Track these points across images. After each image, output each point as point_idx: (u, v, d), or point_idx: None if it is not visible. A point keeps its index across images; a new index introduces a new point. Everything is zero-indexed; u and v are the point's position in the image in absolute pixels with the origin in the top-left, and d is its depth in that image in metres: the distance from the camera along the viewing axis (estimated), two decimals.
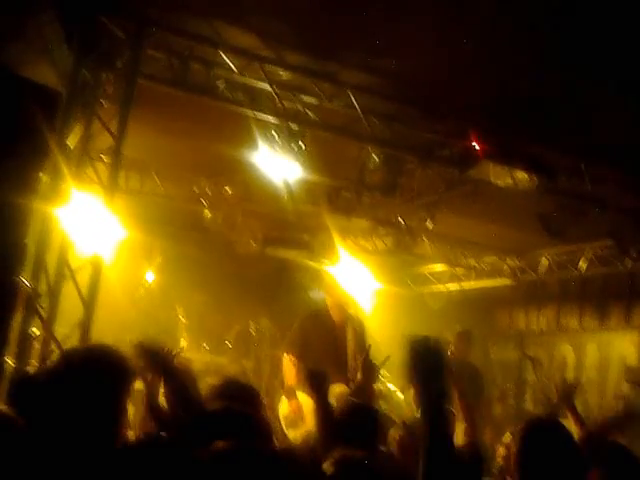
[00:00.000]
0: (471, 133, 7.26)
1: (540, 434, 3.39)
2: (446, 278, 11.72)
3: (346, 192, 8.73)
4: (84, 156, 6.88)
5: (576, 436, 4.83)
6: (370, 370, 5.45)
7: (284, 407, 7.14)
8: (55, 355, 6.43)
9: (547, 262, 10.40)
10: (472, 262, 11.19)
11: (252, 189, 8.83)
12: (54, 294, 6.67)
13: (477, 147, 7.27)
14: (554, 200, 8.06)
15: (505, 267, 10.97)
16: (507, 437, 4.56)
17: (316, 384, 4.23)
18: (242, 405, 3.75)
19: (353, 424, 4.22)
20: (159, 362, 4.16)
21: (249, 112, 7.10)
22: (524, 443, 3.34)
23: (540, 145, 7.33)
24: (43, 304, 6.67)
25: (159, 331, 9.73)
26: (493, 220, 9.18)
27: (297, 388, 6.96)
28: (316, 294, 8.44)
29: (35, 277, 6.59)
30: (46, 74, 6.22)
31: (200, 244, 9.85)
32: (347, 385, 6.83)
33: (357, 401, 4.76)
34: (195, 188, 9.40)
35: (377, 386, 7.71)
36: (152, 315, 9.79)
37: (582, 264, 9.84)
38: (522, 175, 7.43)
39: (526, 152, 7.42)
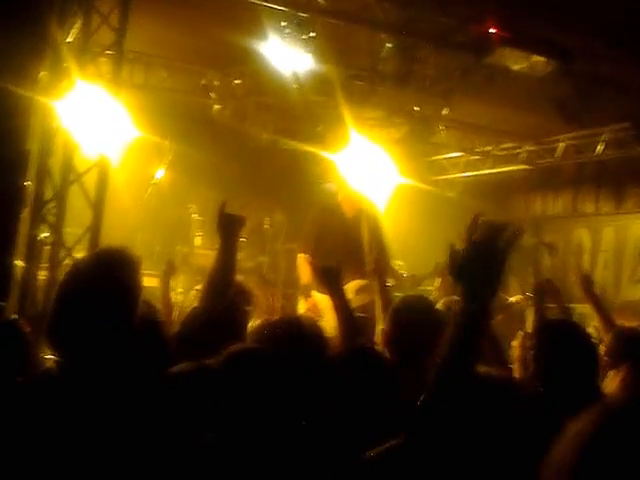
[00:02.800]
0: (487, 18, 7.03)
1: (558, 334, 3.44)
2: (462, 166, 11.54)
3: (359, 81, 8.50)
4: (85, 51, 6.68)
5: (601, 329, 4.88)
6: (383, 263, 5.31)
7: (301, 306, 7.15)
8: (65, 259, 6.47)
9: (563, 146, 10.18)
10: (488, 148, 10.98)
11: (262, 81, 8.59)
12: (61, 198, 6.59)
13: (493, 32, 7.06)
14: (571, 84, 7.86)
15: (521, 153, 10.77)
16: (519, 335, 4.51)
17: (329, 280, 4.08)
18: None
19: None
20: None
21: (257, 1, 6.84)
22: (542, 343, 3.38)
23: (556, 28, 7.06)
24: (50, 209, 6.61)
25: (172, 230, 9.69)
26: (509, 106, 8.97)
27: (312, 286, 6.92)
28: (330, 187, 8.31)
29: (40, 182, 6.52)
30: None
31: (210, 139, 9.65)
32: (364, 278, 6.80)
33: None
34: (203, 80, 9.14)
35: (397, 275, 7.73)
36: (164, 214, 9.72)
37: (599, 148, 9.64)
38: (538, 59, 7.26)
39: (542, 36, 7.21)
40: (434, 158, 11.77)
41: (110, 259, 2.67)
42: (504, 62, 7.30)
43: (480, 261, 2.37)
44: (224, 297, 3.60)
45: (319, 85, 8.35)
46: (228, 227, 3.74)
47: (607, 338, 4.25)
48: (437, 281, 8.80)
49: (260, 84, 8.77)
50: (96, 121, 6.67)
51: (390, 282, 6.51)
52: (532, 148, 10.63)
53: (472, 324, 2.34)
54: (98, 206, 6.56)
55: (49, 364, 2.69)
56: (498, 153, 10.95)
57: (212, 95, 9.18)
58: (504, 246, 2.38)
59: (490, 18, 6.97)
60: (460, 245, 2.42)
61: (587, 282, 5.35)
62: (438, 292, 8.52)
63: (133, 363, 2.56)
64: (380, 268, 4.95)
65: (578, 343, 3.40)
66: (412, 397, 2.49)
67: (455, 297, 5.51)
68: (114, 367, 2.50)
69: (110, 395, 2.45)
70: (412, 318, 3.77)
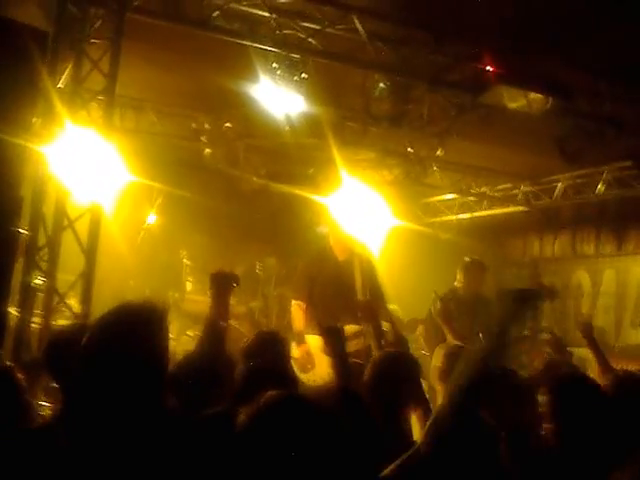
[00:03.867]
0: (483, 55, 6.94)
1: (571, 388, 3.40)
2: (457, 208, 11.44)
3: (352, 123, 8.42)
4: (76, 96, 6.63)
5: (598, 374, 4.79)
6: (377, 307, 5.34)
7: (294, 352, 7.01)
8: (59, 305, 6.44)
9: (563, 187, 10.07)
10: (484, 190, 10.87)
11: (253, 124, 8.51)
12: (54, 244, 6.62)
13: (490, 70, 6.96)
14: (570, 122, 7.73)
15: (519, 193, 10.65)
16: None
17: (332, 341, 4.13)
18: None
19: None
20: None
21: (247, 43, 6.74)
22: (557, 397, 3.33)
23: (555, 64, 6.97)
24: (43, 255, 6.59)
25: (163, 275, 9.57)
26: (506, 145, 8.88)
27: (306, 332, 6.81)
28: (322, 230, 8.20)
29: (33, 228, 6.51)
30: (32, 14, 5.98)
31: (201, 183, 9.55)
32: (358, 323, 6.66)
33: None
34: (194, 124, 9.04)
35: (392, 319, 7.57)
36: (155, 259, 9.61)
37: (600, 187, 9.51)
38: (536, 97, 7.16)
39: (541, 73, 7.10)
40: (428, 200, 11.64)
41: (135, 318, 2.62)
42: (501, 100, 7.18)
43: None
44: (218, 346, 3.71)
45: (311, 127, 8.28)
46: (221, 284, 3.90)
47: (604, 382, 4.14)
48: (420, 328, 8.69)
49: (251, 127, 8.71)
50: (88, 166, 6.62)
51: (385, 326, 6.41)
52: (530, 189, 10.52)
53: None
54: (91, 252, 6.58)
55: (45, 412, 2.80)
56: (494, 194, 10.85)
57: (203, 139, 9.08)
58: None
59: (486, 55, 6.87)
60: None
61: (587, 328, 5.35)
62: (424, 336, 8.42)
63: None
64: (371, 313, 5.18)
65: (596, 399, 3.32)
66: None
67: (456, 343, 5.38)
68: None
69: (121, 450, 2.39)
70: (390, 371, 3.91)
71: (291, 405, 2.53)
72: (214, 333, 3.75)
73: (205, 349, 3.72)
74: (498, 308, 2.85)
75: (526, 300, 2.74)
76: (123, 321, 2.59)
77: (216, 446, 2.50)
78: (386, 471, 2.60)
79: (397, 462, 2.60)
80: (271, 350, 4.34)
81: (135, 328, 2.54)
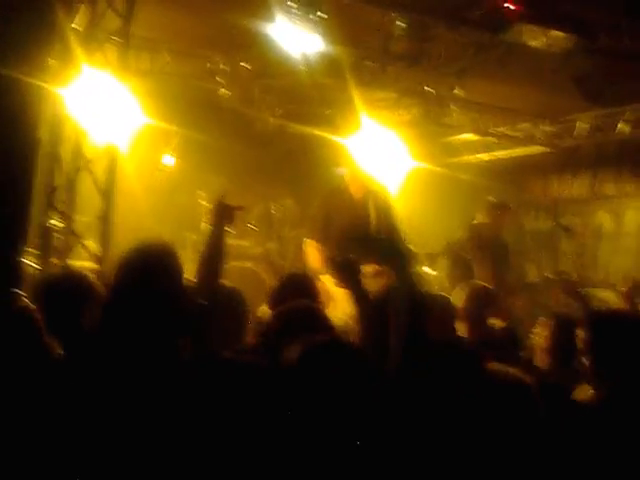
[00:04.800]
0: None
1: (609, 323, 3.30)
2: (476, 148, 11.29)
3: (369, 62, 8.28)
4: (91, 38, 6.61)
5: None
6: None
7: None
8: (76, 247, 6.53)
9: (583, 126, 9.92)
10: (504, 130, 10.71)
11: (269, 63, 8.39)
12: (71, 185, 6.65)
13: (510, 7, 6.82)
14: (591, 60, 7.58)
15: (539, 133, 10.51)
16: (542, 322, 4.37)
17: (347, 273, 4.09)
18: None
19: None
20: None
21: None
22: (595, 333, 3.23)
23: (577, 2, 6.85)
24: (60, 196, 6.64)
25: (180, 217, 9.58)
26: (526, 84, 8.72)
27: (321, 272, 6.80)
28: (339, 171, 8.14)
29: (50, 169, 6.54)
30: None
31: (218, 124, 9.45)
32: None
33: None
34: (209, 64, 8.93)
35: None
36: (172, 201, 9.61)
37: (620, 127, 9.37)
38: (557, 35, 7.01)
39: (562, 10, 6.94)
40: (447, 140, 11.50)
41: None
42: (521, 39, 7.05)
43: None
44: (213, 282, 3.56)
45: (328, 67, 8.15)
46: (221, 214, 3.76)
47: None
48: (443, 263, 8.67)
49: (267, 67, 8.59)
50: (104, 108, 6.62)
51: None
52: (550, 128, 10.36)
53: None
54: (108, 193, 6.63)
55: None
56: (514, 134, 10.69)
57: (218, 79, 8.98)
58: None
59: None
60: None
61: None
62: (448, 274, 8.43)
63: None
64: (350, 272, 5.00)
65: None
66: None
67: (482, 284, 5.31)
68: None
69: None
70: None
71: (336, 350, 2.62)
72: (209, 265, 3.59)
73: (201, 283, 3.54)
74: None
75: None
76: (142, 264, 2.79)
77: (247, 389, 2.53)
78: None
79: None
80: (303, 293, 4.25)
81: (154, 269, 2.73)
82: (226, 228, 3.73)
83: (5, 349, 2.61)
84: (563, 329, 4.06)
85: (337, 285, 5.52)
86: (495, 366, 2.63)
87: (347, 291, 4.20)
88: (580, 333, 3.34)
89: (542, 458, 2.48)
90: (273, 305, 4.17)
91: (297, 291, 4.27)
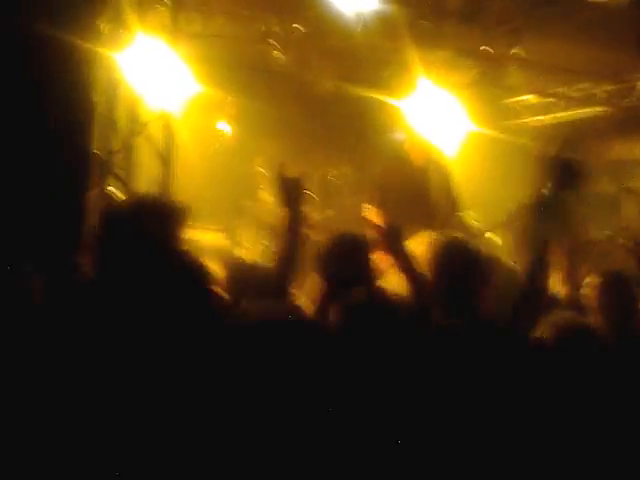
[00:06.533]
0: None
1: None
2: (536, 110, 11.02)
3: (425, 21, 8.14)
4: (144, 1, 6.62)
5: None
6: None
7: None
8: None
9: None
10: (563, 90, 10.45)
11: (324, 25, 8.31)
12: (128, 151, 6.66)
13: None
14: None
15: (600, 93, 10.23)
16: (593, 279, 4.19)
17: (392, 240, 4.01)
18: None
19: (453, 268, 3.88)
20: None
21: None
22: None
23: None
24: (118, 162, 6.67)
25: (237, 184, 9.59)
26: (586, 42, 8.46)
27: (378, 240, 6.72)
28: (397, 136, 8.05)
29: (107, 133, 6.55)
30: None
31: (272, 89, 9.41)
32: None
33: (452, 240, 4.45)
34: (263, 27, 8.88)
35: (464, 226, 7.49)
36: (229, 168, 9.60)
37: None
38: None
39: None
40: (506, 102, 11.26)
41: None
42: None
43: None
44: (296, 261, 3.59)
45: (384, 27, 8.05)
46: (289, 193, 3.67)
47: None
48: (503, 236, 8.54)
49: (322, 29, 8.50)
50: (157, 73, 6.62)
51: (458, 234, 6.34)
52: (611, 88, 10.07)
53: None
54: (166, 159, 6.56)
55: None
56: (574, 94, 10.42)
57: (272, 42, 8.92)
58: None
59: None
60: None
61: None
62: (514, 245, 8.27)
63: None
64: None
65: None
66: None
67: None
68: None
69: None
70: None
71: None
72: (289, 246, 3.59)
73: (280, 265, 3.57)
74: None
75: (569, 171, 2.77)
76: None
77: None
78: None
79: None
80: (354, 257, 4.12)
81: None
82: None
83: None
84: (614, 288, 3.91)
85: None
86: None
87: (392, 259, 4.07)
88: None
89: None
90: (321, 268, 4.03)
91: (347, 254, 4.11)
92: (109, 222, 3.00)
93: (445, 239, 4.07)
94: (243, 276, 3.77)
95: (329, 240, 4.28)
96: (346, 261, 3.87)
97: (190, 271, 2.80)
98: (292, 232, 3.58)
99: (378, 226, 4.39)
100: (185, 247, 3.12)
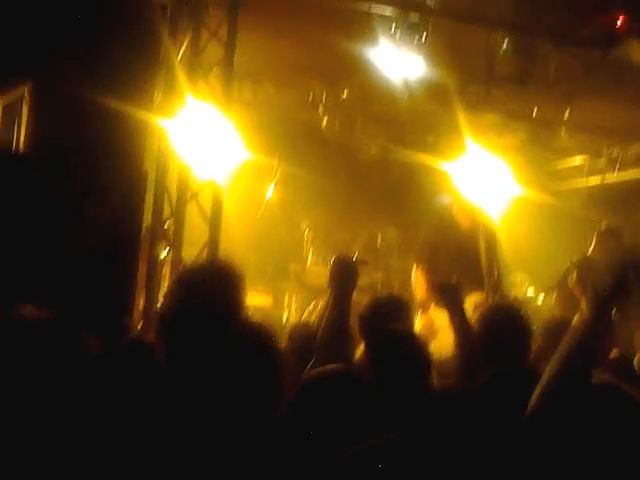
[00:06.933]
0: (614, 8, 6.58)
1: None
2: (586, 172, 10.91)
3: (473, 86, 8.14)
4: (196, 67, 6.68)
5: None
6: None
7: (417, 322, 6.89)
8: None
9: None
10: (615, 151, 10.33)
11: (371, 91, 8.38)
12: (179, 217, 6.70)
13: (620, 22, 6.60)
14: None
15: None
16: None
17: (448, 296, 3.93)
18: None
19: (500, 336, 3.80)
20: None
21: (364, 5, 6.63)
22: None
23: None
24: (169, 228, 6.72)
25: (284, 248, 9.59)
26: (637, 104, 8.40)
27: (428, 301, 6.63)
28: (444, 199, 8.00)
29: (158, 201, 6.62)
30: None
31: (319, 155, 9.47)
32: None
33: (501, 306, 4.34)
34: (311, 94, 8.96)
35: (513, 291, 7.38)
36: (276, 232, 9.63)
37: None
38: None
39: None
40: (555, 165, 11.17)
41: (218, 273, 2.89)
42: (632, 56, 6.83)
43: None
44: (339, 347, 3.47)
45: (431, 92, 8.07)
46: (344, 276, 3.59)
47: None
48: (553, 296, 8.38)
49: (369, 94, 8.56)
50: (207, 141, 6.66)
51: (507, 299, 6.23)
52: None
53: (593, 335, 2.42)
54: (214, 222, 6.62)
55: None
56: (625, 157, 10.29)
57: (320, 108, 8.99)
58: None
59: (618, 8, 6.51)
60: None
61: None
62: (556, 304, 8.11)
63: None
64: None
65: None
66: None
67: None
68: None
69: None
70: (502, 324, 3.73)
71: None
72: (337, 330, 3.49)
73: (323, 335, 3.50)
74: (607, 277, 2.51)
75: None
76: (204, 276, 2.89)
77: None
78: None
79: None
80: (395, 317, 4.04)
81: (214, 282, 2.79)
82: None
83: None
84: None
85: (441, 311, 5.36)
86: None
87: (447, 315, 3.99)
88: None
89: None
90: (362, 329, 4.01)
91: (388, 315, 4.04)
92: (185, 288, 2.86)
93: (496, 304, 4.03)
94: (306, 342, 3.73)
95: (371, 301, 4.29)
96: (387, 321, 3.75)
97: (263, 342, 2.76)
98: (339, 308, 3.50)
99: (434, 283, 4.35)
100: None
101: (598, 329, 2.44)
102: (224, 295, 2.78)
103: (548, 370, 2.42)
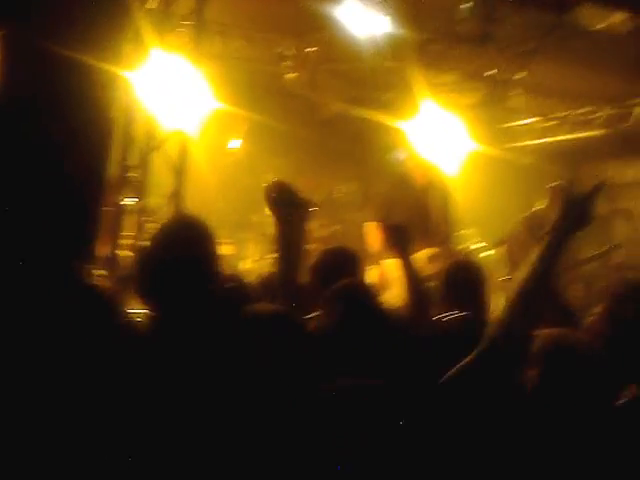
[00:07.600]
0: None
1: None
2: (538, 132, 11.23)
3: (435, 45, 8.33)
4: (165, 20, 6.73)
5: None
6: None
7: (370, 274, 7.07)
8: (150, 225, 6.65)
9: None
10: (565, 114, 10.65)
11: (336, 47, 8.49)
12: (144, 166, 6.74)
13: None
14: None
15: (598, 117, 10.45)
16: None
17: (398, 239, 4.00)
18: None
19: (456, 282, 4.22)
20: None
21: None
22: None
23: None
24: (134, 177, 6.77)
25: (246, 199, 9.69)
26: (587, 68, 8.69)
27: (381, 255, 6.79)
28: (400, 155, 8.20)
29: (125, 149, 6.67)
30: None
31: (285, 108, 9.56)
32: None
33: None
34: (278, 49, 9.05)
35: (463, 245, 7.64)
36: (239, 183, 9.72)
37: None
38: (618, 18, 7.06)
39: None
40: (509, 124, 11.46)
41: (189, 231, 2.91)
42: (583, 21, 7.11)
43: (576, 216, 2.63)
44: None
45: (394, 50, 8.22)
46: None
47: None
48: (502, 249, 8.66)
49: (334, 51, 8.68)
50: (174, 92, 6.71)
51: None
52: (610, 112, 10.29)
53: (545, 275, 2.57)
54: (180, 173, 6.68)
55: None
56: (575, 118, 10.63)
57: (287, 63, 9.09)
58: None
59: None
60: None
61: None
62: (506, 256, 8.39)
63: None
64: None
65: None
66: None
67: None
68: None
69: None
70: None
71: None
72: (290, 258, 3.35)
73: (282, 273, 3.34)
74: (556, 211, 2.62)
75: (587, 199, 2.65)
76: (178, 232, 2.92)
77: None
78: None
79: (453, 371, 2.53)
80: (345, 269, 4.10)
81: (188, 236, 2.84)
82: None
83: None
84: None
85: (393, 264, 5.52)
86: None
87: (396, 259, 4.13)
88: None
89: None
90: (313, 281, 3.98)
91: (339, 267, 4.12)
92: (161, 244, 2.91)
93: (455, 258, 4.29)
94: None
95: (321, 253, 4.42)
96: (335, 273, 3.77)
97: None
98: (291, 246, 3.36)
99: (384, 231, 4.45)
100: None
101: (553, 259, 2.57)
102: (200, 248, 2.84)
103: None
